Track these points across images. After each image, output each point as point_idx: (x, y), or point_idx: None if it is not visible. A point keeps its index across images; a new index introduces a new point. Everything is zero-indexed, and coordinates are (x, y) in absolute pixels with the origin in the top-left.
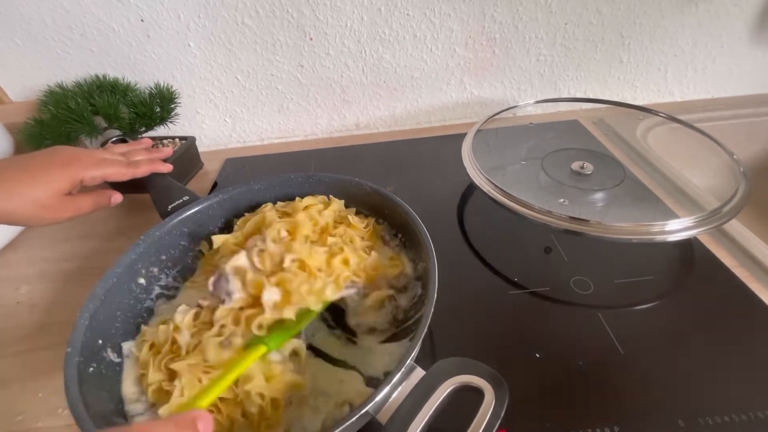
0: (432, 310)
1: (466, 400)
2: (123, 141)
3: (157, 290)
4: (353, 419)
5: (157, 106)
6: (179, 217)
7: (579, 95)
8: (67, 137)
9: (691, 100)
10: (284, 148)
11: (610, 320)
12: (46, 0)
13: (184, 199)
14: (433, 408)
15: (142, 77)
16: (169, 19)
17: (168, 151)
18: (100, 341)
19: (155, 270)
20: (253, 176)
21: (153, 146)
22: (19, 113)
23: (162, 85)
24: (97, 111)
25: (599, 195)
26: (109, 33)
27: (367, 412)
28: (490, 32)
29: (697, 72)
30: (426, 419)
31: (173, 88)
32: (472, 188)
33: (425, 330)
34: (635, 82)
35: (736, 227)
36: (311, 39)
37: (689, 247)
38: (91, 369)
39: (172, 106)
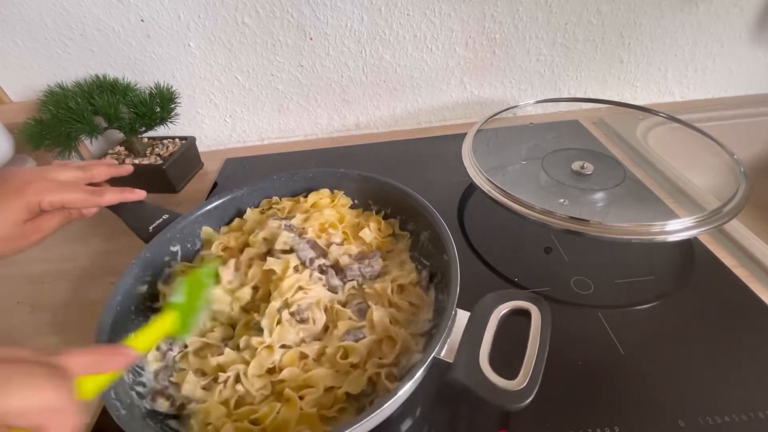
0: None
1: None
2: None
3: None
4: (423, 369)
5: (157, 106)
6: (166, 236)
7: (579, 95)
8: (67, 137)
9: (691, 100)
10: (284, 148)
11: (610, 320)
12: (46, 0)
13: (164, 217)
14: (492, 335)
15: (142, 77)
16: (169, 19)
17: (128, 168)
18: None
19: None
20: (253, 176)
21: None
22: (19, 113)
23: (162, 85)
24: (97, 111)
25: (599, 195)
26: (109, 33)
27: (434, 357)
28: (490, 32)
29: (697, 72)
30: (489, 346)
31: (173, 88)
32: (472, 188)
33: (458, 279)
34: (635, 82)
35: (736, 227)
36: (311, 39)
37: (689, 247)
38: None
39: (172, 106)
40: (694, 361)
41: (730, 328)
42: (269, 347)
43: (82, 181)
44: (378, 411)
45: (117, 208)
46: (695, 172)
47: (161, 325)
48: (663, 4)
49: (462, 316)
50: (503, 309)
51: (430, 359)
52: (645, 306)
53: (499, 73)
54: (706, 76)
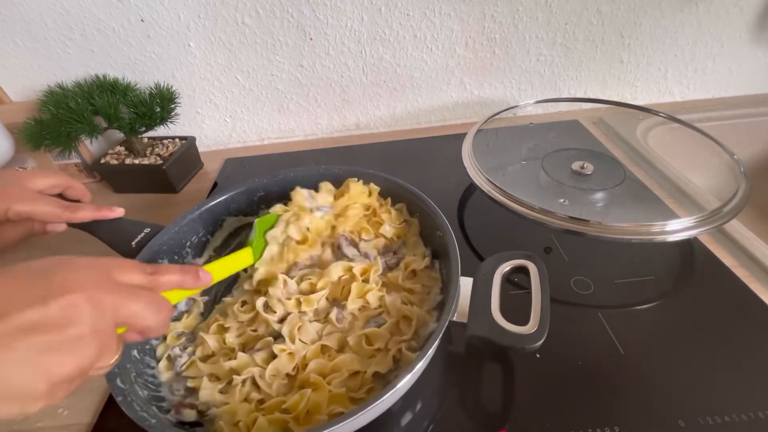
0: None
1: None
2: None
3: None
4: (440, 336)
5: (157, 106)
6: (153, 249)
7: (579, 95)
8: (67, 137)
9: (691, 100)
10: (284, 148)
11: (610, 320)
12: (46, 0)
13: (146, 231)
14: (499, 292)
15: (142, 77)
16: (169, 19)
17: (119, 211)
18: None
19: None
20: (252, 176)
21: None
22: (19, 113)
23: (162, 85)
24: (97, 111)
25: (599, 195)
26: (109, 33)
27: (450, 321)
28: (490, 32)
29: (697, 72)
30: (498, 301)
31: (173, 88)
32: (472, 188)
33: (456, 248)
34: (635, 82)
35: (736, 227)
36: (311, 39)
37: (689, 247)
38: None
39: (172, 106)
40: (694, 361)
41: (730, 328)
42: (291, 354)
43: (58, 188)
44: (403, 381)
45: (90, 226)
46: (695, 172)
47: (238, 258)
48: (663, 4)
49: (466, 282)
50: (504, 268)
51: (446, 323)
52: (645, 306)
53: (499, 73)
54: (706, 76)
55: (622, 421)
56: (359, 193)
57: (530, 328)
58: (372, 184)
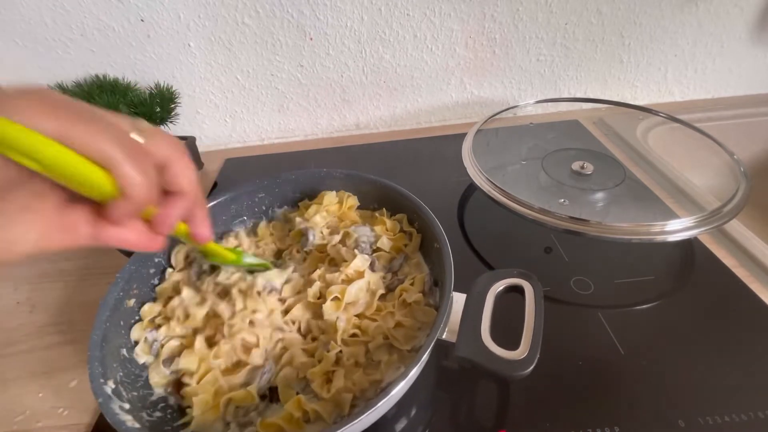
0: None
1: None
2: None
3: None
4: (429, 350)
5: (157, 106)
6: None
7: (579, 95)
8: None
9: (691, 100)
10: (284, 148)
11: (610, 320)
12: (46, 0)
13: None
14: (490, 313)
15: (142, 77)
16: (169, 19)
17: None
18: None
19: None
20: (253, 176)
21: None
22: None
23: (162, 85)
24: None
25: (599, 195)
26: (109, 33)
27: (438, 339)
28: (490, 32)
29: (697, 72)
30: (489, 322)
31: (173, 88)
32: (472, 188)
33: (451, 261)
34: (635, 82)
35: (736, 227)
36: (311, 39)
37: (689, 247)
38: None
39: (172, 106)
40: (694, 361)
41: (730, 328)
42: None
43: None
44: (397, 388)
45: None
46: (695, 172)
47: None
48: (663, 4)
49: (459, 299)
50: (498, 287)
51: (433, 341)
52: (645, 306)
53: (499, 73)
54: (706, 76)
55: (622, 421)
56: (330, 203)
57: (520, 353)
58: (349, 196)
